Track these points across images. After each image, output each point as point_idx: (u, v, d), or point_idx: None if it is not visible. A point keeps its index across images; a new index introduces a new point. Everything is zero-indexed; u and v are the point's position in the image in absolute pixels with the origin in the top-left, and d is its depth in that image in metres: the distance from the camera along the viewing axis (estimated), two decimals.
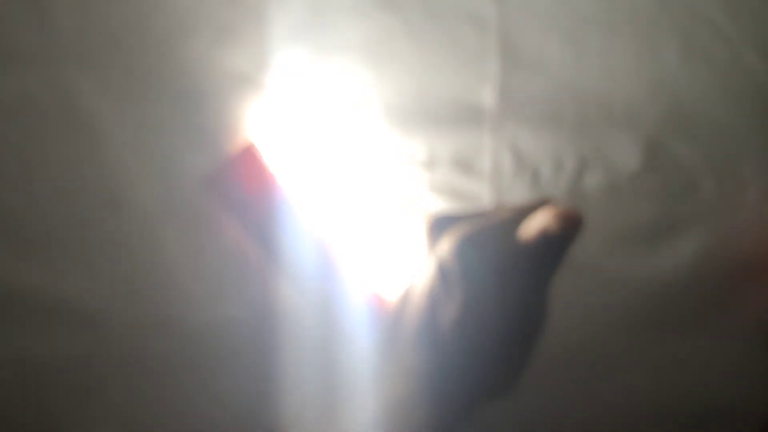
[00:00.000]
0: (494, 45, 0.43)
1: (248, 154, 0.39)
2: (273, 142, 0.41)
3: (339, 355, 0.36)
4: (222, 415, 0.42)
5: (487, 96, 0.43)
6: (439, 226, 0.33)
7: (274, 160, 0.40)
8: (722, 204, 0.44)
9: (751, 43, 0.44)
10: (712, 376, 0.44)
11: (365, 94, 0.42)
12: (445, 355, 0.29)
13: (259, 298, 0.41)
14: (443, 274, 0.30)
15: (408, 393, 0.29)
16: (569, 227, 0.29)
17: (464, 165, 0.43)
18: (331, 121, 0.43)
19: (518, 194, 0.43)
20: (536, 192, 0.43)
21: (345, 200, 0.42)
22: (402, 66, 0.43)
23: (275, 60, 0.42)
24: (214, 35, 0.42)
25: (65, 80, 0.41)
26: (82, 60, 0.41)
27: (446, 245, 0.30)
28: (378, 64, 0.43)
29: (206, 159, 0.40)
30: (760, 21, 0.44)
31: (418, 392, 0.29)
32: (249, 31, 0.42)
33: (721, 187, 0.44)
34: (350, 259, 0.39)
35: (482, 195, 0.43)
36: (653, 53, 0.44)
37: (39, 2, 0.41)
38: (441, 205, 0.42)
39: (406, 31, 0.43)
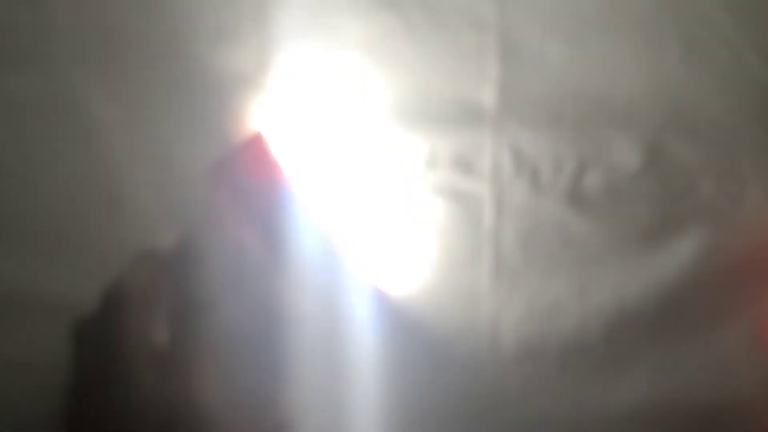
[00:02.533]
0: (494, 45, 0.43)
1: (255, 143, 0.39)
2: (277, 138, 0.41)
3: (342, 348, 0.36)
4: (225, 412, 0.42)
5: (487, 96, 0.43)
6: None
7: (280, 153, 0.40)
8: (722, 204, 0.44)
9: (751, 44, 0.44)
10: (711, 376, 0.44)
11: (365, 94, 0.43)
12: None
13: (262, 295, 0.41)
14: None
15: None
16: None
17: (464, 165, 0.43)
18: (332, 121, 0.43)
19: (518, 194, 0.43)
20: (536, 192, 0.44)
21: (347, 197, 0.42)
22: (402, 66, 0.43)
23: (276, 60, 0.42)
24: (216, 35, 0.42)
25: (66, 79, 0.41)
26: (82, 59, 0.41)
27: None
28: (378, 64, 0.43)
29: (207, 157, 0.40)
30: (761, 22, 0.44)
31: None
32: (250, 31, 0.42)
33: (721, 187, 0.44)
34: (353, 254, 0.39)
35: (482, 195, 0.43)
36: (654, 54, 0.44)
37: (39, 2, 0.41)
38: (441, 204, 0.42)
39: (406, 31, 0.43)
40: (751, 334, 0.44)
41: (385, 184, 0.42)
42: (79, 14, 0.41)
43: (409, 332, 0.41)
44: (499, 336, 0.43)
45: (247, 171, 0.39)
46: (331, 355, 0.38)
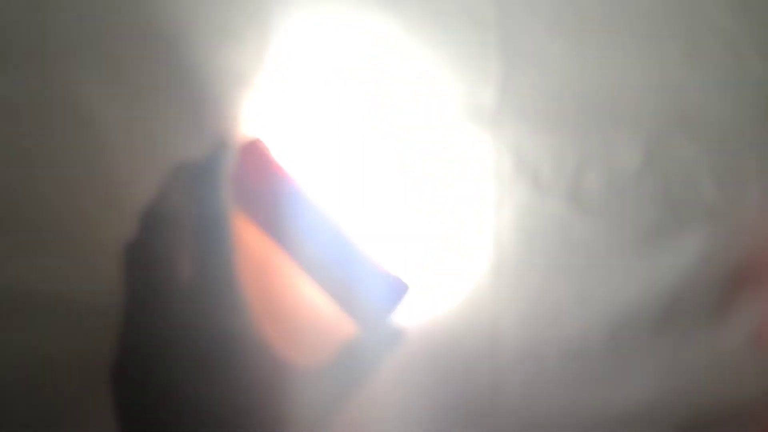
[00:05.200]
0: (494, 45, 0.43)
1: (253, 147, 0.38)
2: (277, 139, 0.40)
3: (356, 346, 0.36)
4: (225, 410, 0.42)
5: (487, 96, 0.43)
6: None
7: (280, 154, 0.39)
8: (724, 204, 0.44)
9: (753, 44, 0.44)
10: (711, 376, 0.44)
11: (363, 94, 0.43)
12: None
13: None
14: None
15: None
16: None
17: (464, 165, 0.43)
18: (329, 121, 0.43)
19: (518, 194, 0.43)
20: (536, 192, 0.44)
21: (345, 198, 0.42)
22: (401, 65, 0.43)
23: (274, 61, 0.42)
24: (215, 34, 0.42)
25: (64, 78, 0.41)
26: (81, 58, 0.41)
27: None
28: (376, 63, 0.43)
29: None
30: (763, 22, 0.44)
31: None
32: (250, 30, 0.42)
33: (722, 188, 0.44)
34: (365, 250, 0.38)
35: (483, 195, 0.43)
36: (655, 53, 0.44)
37: (39, 1, 0.41)
38: (440, 204, 0.42)
39: (405, 30, 0.43)
40: (753, 334, 0.44)
41: (383, 184, 0.42)
42: (78, 12, 0.41)
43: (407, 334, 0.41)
44: (500, 337, 0.43)
45: (246, 176, 0.37)
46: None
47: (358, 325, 0.37)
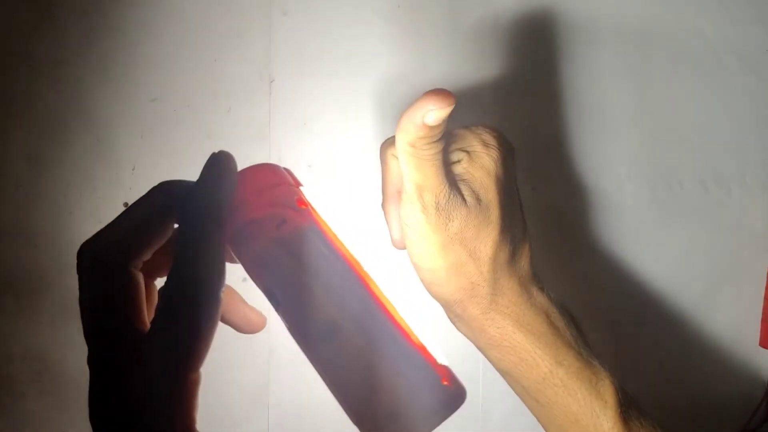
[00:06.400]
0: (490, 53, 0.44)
1: (266, 173, 0.29)
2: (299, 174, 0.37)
3: None
4: (224, 409, 0.42)
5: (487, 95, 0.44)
6: None
7: (304, 187, 0.31)
8: (706, 204, 0.45)
9: (734, 52, 0.45)
10: (696, 372, 0.46)
11: (365, 95, 0.43)
12: None
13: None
14: None
15: None
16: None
17: None
18: (332, 122, 0.43)
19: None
20: (535, 191, 0.44)
21: (348, 198, 0.42)
22: (402, 68, 0.43)
23: (279, 66, 0.42)
24: (221, 40, 0.42)
25: (75, 83, 0.42)
26: (91, 63, 0.42)
27: None
28: (377, 67, 0.43)
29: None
30: (744, 31, 0.46)
31: None
32: (254, 39, 0.42)
33: (704, 187, 0.45)
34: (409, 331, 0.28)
35: None
36: (641, 61, 0.45)
37: (50, 9, 0.42)
38: None
39: (404, 36, 0.43)
40: (734, 331, 0.45)
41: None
42: (87, 20, 0.42)
43: None
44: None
45: (249, 214, 0.28)
46: None
47: None
